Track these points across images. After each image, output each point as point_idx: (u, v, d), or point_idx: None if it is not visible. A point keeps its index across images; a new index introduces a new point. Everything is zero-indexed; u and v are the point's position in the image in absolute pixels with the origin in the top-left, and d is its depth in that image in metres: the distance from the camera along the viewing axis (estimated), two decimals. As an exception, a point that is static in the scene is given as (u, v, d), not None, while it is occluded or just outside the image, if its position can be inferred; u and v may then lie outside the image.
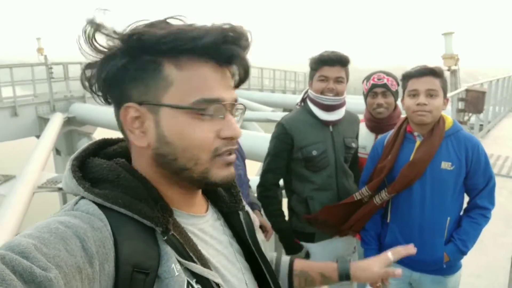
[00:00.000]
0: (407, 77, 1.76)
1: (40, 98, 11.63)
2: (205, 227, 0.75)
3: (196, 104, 0.65)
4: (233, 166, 0.72)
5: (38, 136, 10.22)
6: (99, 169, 0.67)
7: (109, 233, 0.59)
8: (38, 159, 7.27)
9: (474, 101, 7.01)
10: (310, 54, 1.99)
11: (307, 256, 2.03)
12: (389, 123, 2.15)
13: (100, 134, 12.05)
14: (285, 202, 2.14)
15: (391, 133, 1.89)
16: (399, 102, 2.20)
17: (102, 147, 0.74)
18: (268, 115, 10.93)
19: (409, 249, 1.10)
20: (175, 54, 0.64)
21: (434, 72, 1.71)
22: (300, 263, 1.05)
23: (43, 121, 10.98)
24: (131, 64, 0.64)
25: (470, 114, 7.32)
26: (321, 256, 2.03)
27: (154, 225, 0.63)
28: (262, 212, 2.01)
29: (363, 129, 2.26)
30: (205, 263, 0.67)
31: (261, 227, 1.39)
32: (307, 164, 1.94)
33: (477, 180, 1.75)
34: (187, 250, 0.64)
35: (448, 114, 1.88)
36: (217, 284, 0.66)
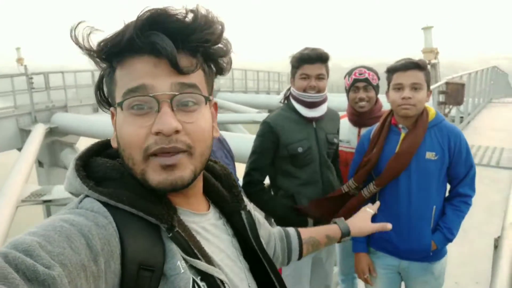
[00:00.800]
0: (392, 70, 1.78)
1: (21, 109, 11.41)
2: (207, 226, 0.74)
3: (124, 97, 0.63)
4: (176, 170, 0.64)
5: (19, 149, 10.03)
6: (102, 168, 0.67)
7: (115, 230, 0.59)
8: (21, 172, 7.14)
9: (454, 93, 7.13)
10: (293, 52, 2.01)
11: (316, 223, 1.99)
12: (371, 117, 2.19)
13: (83, 143, 11.88)
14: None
15: (376, 126, 1.92)
16: (380, 96, 2.24)
17: (105, 148, 0.74)
18: (254, 116, 10.95)
19: (386, 225, 1.26)
20: (119, 57, 0.65)
21: (418, 66, 1.73)
22: (305, 231, 1.15)
23: (24, 133, 10.76)
24: (105, 74, 0.69)
25: (451, 107, 7.44)
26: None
27: (159, 222, 0.63)
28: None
29: (346, 123, 2.30)
30: (209, 260, 0.66)
31: None
32: (293, 160, 1.96)
33: (459, 169, 1.79)
34: (192, 247, 0.64)
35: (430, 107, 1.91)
36: (222, 281, 0.66)
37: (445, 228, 1.77)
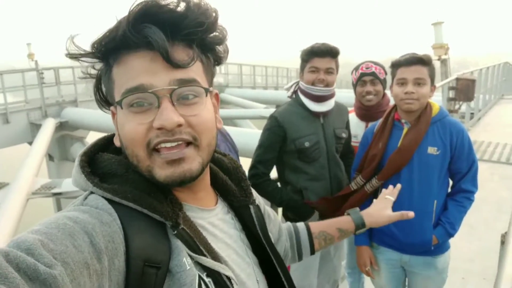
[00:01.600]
0: (396, 65, 1.79)
1: (32, 104, 11.55)
2: (214, 221, 0.74)
3: (123, 96, 0.63)
4: (184, 163, 0.63)
5: (30, 143, 10.16)
6: (108, 164, 0.66)
7: (119, 227, 0.58)
8: (31, 165, 7.24)
9: (465, 89, 7.04)
10: (303, 47, 2.01)
11: (321, 217, 2.00)
12: (378, 111, 2.18)
13: (93, 138, 11.92)
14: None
15: (380, 121, 1.92)
16: (387, 91, 2.23)
17: (112, 142, 0.73)
18: (261, 111, 10.94)
19: (407, 214, 1.17)
20: (115, 54, 0.64)
21: (422, 61, 1.73)
22: (316, 225, 1.09)
23: (35, 127, 10.90)
24: (102, 74, 0.68)
25: (461, 103, 7.36)
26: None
27: (164, 219, 0.62)
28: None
29: (353, 118, 2.30)
30: (215, 256, 0.66)
31: None
32: (300, 155, 1.96)
33: (461, 164, 1.79)
34: (198, 244, 0.63)
35: (439, 103, 1.90)
36: (228, 278, 0.65)
37: (447, 222, 1.78)
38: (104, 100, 0.71)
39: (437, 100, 1.87)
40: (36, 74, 11.62)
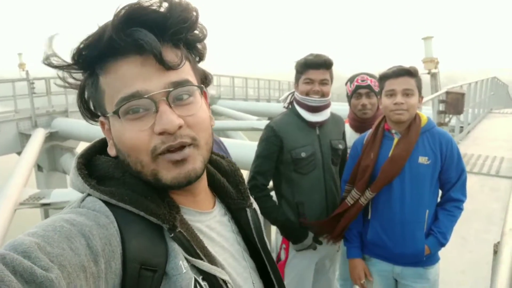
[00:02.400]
0: (384, 77, 1.82)
1: (22, 113, 11.42)
2: (212, 224, 0.74)
3: (118, 105, 0.61)
4: (187, 163, 0.64)
5: (19, 153, 10.02)
6: (105, 167, 0.66)
7: (116, 230, 0.58)
8: (20, 176, 7.12)
9: (454, 102, 7.15)
10: (292, 62, 2.03)
11: (316, 240, 2.00)
12: (373, 123, 2.18)
13: (83, 148, 11.86)
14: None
15: (370, 131, 1.93)
16: (378, 102, 2.25)
17: None
18: (254, 123, 10.97)
19: None
20: (100, 62, 0.63)
21: (409, 72, 1.78)
22: None
23: (24, 137, 10.76)
24: (86, 85, 0.67)
25: (451, 116, 7.46)
26: (308, 254, 2.03)
27: (160, 222, 0.62)
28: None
29: (348, 129, 2.31)
30: (212, 260, 0.66)
31: None
32: (296, 166, 1.95)
33: (450, 174, 1.81)
34: (194, 247, 0.63)
35: (429, 116, 1.93)
36: (224, 281, 0.65)
37: (439, 232, 1.79)
38: (90, 112, 0.70)
39: (428, 113, 1.90)
40: (27, 84, 11.53)
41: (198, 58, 0.72)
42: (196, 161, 0.65)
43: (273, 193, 2.12)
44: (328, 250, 2.10)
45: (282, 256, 2.09)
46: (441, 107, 7.17)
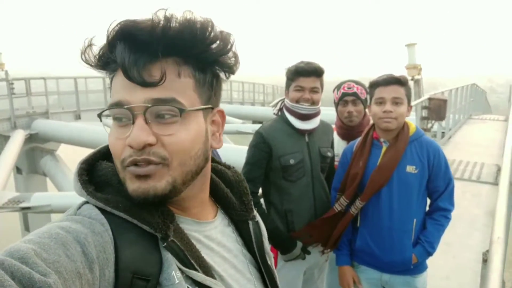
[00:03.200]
0: (374, 85, 1.84)
1: (0, 115, 11.13)
2: (212, 234, 0.72)
3: (104, 109, 0.65)
4: (150, 179, 0.62)
5: (-3, 155, 9.76)
6: (104, 173, 0.66)
7: (110, 238, 0.58)
8: (-2, 178, 6.94)
9: (437, 108, 7.28)
10: (277, 68, 2.03)
11: (304, 250, 1.99)
12: (359, 130, 2.20)
13: (64, 150, 11.65)
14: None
15: (359, 139, 1.94)
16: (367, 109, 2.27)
17: None
18: (238, 127, 10.97)
19: None
20: (112, 68, 0.65)
21: (399, 81, 1.79)
22: None
23: (3, 139, 10.50)
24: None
25: (433, 122, 7.59)
26: (297, 264, 2.02)
27: (153, 231, 0.61)
28: None
29: (335, 137, 2.31)
30: (207, 270, 0.65)
31: None
32: (285, 173, 1.94)
33: (438, 183, 1.83)
34: (188, 257, 0.62)
35: (413, 122, 1.95)
36: None
37: (426, 241, 1.80)
38: None
39: (411, 119, 1.92)
40: (6, 85, 11.26)
41: (226, 71, 0.70)
42: (161, 180, 0.62)
43: (262, 201, 2.10)
44: (316, 259, 2.09)
45: None
46: (424, 113, 7.29)
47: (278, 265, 2.05)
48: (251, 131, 8.68)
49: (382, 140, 1.85)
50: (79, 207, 0.62)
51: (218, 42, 0.64)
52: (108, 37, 0.60)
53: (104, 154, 0.70)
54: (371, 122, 1.99)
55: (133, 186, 0.62)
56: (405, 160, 1.79)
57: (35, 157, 11.35)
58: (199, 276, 0.62)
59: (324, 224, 1.94)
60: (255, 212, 0.83)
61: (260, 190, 2.08)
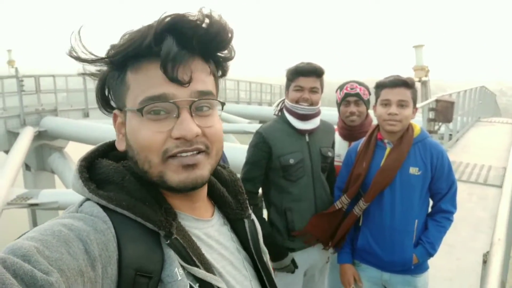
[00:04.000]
0: (381, 86, 1.84)
1: (10, 111, 11.26)
2: (210, 232, 0.74)
3: (142, 104, 0.64)
4: (197, 169, 0.66)
5: (7, 151, 9.88)
6: (105, 171, 0.67)
7: (113, 235, 0.59)
8: (7, 175, 7.02)
9: (444, 110, 7.24)
10: (284, 68, 2.03)
11: (293, 263, 1.99)
12: (361, 131, 2.21)
13: (72, 148, 11.75)
14: (265, 214, 2.13)
15: (363, 140, 1.95)
16: (370, 111, 2.27)
17: (113, 149, 0.74)
18: (245, 126, 10.97)
19: None
20: (134, 61, 0.65)
21: (406, 84, 1.79)
22: None
23: (12, 136, 10.61)
24: (110, 76, 0.69)
25: (440, 124, 7.55)
26: (297, 264, 2.03)
27: (157, 228, 0.62)
28: None
29: (336, 137, 2.32)
30: (208, 267, 0.66)
31: None
32: (285, 173, 1.95)
33: (440, 185, 1.84)
34: (190, 254, 0.64)
35: (419, 124, 1.95)
36: None
37: (427, 242, 1.81)
38: (106, 101, 0.72)
39: (418, 121, 1.93)
40: (16, 82, 11.37)
41: (222, 74, 0.75)
42: (205, 168, 0.67)
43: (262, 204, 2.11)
44: (317, 259, 2.10)
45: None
46: (431, 115, 7.25)
47: None
48: (258, 131, 8.64)
49: (386, 141, 1.86)
50: (81, 204, 0.63)
51: (231, 48, 0.70)
52: (156, 28, 0.61)
53: (102, 152, 0.72)
54: (374, 123, 2.00)
55: (179, 177, 0.64)
56: (408, 161, 1.80)
57: (43, 154, 11.45)
58: (201, 273, 0.63)
59: (323, 219, 1.95)
60: (250, 211, 0.85)
61: (260, 190, 2.10)
